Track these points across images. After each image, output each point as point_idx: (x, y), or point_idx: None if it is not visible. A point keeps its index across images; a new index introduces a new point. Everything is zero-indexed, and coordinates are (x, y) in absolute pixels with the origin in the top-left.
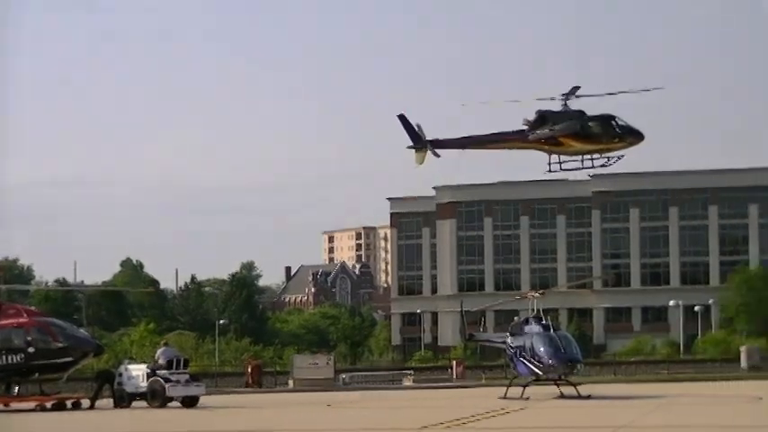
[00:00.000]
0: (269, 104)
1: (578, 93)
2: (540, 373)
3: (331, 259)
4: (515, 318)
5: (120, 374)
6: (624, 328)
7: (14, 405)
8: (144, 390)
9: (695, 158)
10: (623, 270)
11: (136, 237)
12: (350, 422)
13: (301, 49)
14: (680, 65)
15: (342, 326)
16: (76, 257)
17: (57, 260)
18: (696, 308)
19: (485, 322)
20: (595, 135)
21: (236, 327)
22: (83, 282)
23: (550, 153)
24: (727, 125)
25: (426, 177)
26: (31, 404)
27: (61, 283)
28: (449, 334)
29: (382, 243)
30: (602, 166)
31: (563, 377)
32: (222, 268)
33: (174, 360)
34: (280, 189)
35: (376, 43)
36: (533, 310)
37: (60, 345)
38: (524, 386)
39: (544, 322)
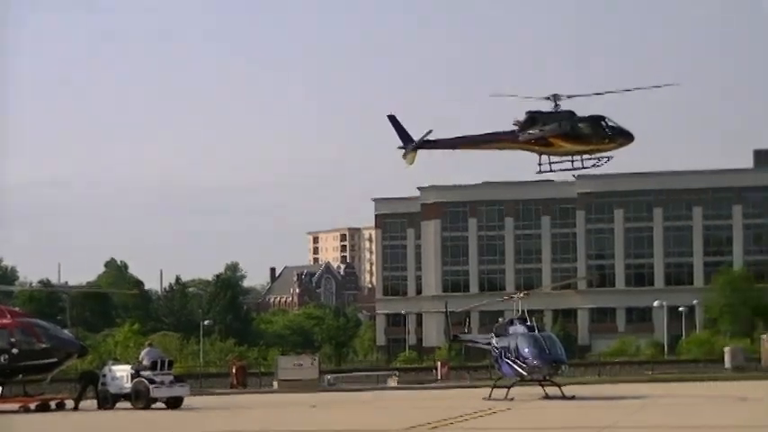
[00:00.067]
0: (256, 107)
1: (568, 93)
2: (525, 373)
3: (316, 260)
4: (500, 318)
5: (105, 375)
6: (608, 329)
7: None
8: (128, 391)
9: (681, 159)
10: (608, 271)
11: (121, 237)
12: (335, 423)
13: (293, 49)
14: (669, 65)
15: (326, 327)
16: (61, 258)
17: (41, 261)
18: (680, 308)
19: (469, 323)
20: (585, 136)
21: (221, 328)
22: (67, 282)
23: (540, 154)
24: (715, 126)
25: (411, 178)
26: (15, 405)
27: (45, 283)
28: (433, 335)
29: (367, 244)
30: (593, 166)
31: (548, 378)
32: (207, 269)
33: (159, 361)
34: (265, 190)
35: (365, 43)
36: (518, 310)
37: (44, 346)
38: (509, 387)
39: (529, 323)
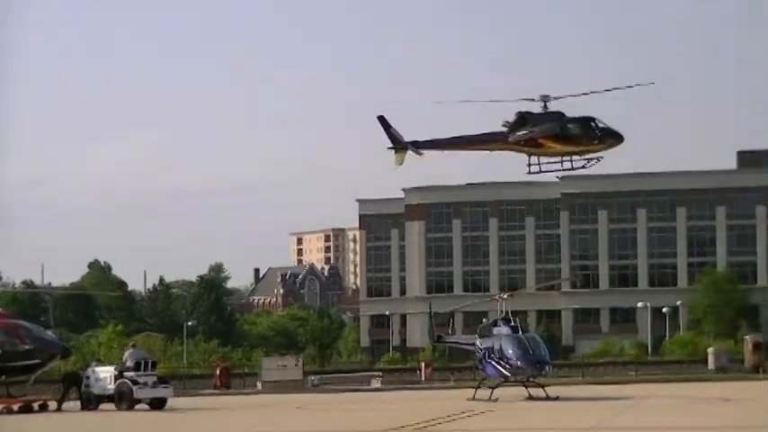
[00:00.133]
0: (241, 107)
1: (557, 93)
2: (509, 374)
3: (300, 261)
4: (484, 319)
5: (88, 376)
6: (592, 330)
7: None
8: (111, 392)
9: (664, 160)
10: (592, 272)
11: (104, 238)
12: (319, 424)
13: (277, 48)
14: (653, 65)
15: (310, 327)
16: (43, 259)
17: (24, 261)
18: (664, 309)
19: (453, 324)
20: (575, 137)
21: (205, 329)
22: (50, 283)
23: (530, 155)
24: (699, 127)
25: (395, 179)
26: None
27: (28, 284)
28: (417, 335)
29: (351, 245)
30: (582, 167)
31: (531, 379)
32: (191, 270)
33: (142, 362)
34: (249, 191)
35: (350, 42)
36: (502, 311)
37: (27, 347)
38: (493, 388)
39: (512, 324)
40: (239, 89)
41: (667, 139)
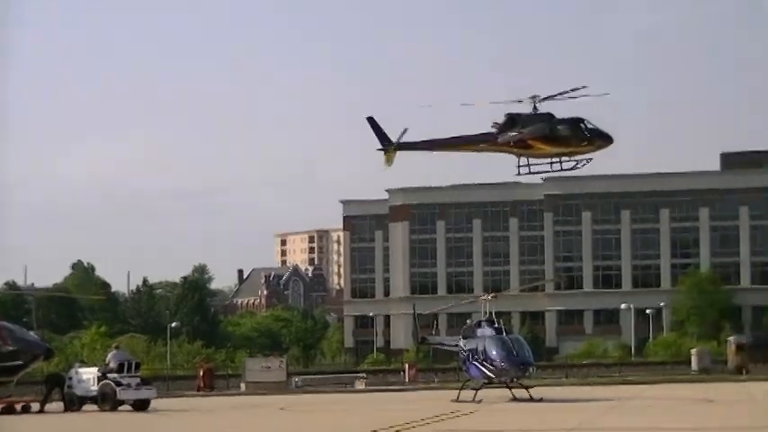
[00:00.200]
0: (226, 108)
1: (546, 94)
2: (493, 376)
3: (284, 262)
4: (468, 321)
5: (71, 378)
6: (576, 331)
7: None
8: (95, 393)
9: (648, 162)
10: (575, 273)
11: (88, 239)
12: (303, 425)
13: (263, 50)
14: (637, 68)
15: (294, 329)
16: (27, 260)
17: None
18: (648, 310)
19: (437, 325)
20: (564, 138)
21: (188, 330)
22: (33, 284)
23: (519, 156)
24: (683, 129)
25: (379, 180)
26: None
27: (11, 285)
28: (401, 337)
29: (335, 246)
30: (572, 168)
31: (515, 380)
32: (174, 271)
33: (126, 363)
34: (232, 191)
35: (335, 44)
36: (486, 313)
37: (10, 348)
38: (477, 389)
39: (496, 325)
40: (225, 89)
41: (651, 141)
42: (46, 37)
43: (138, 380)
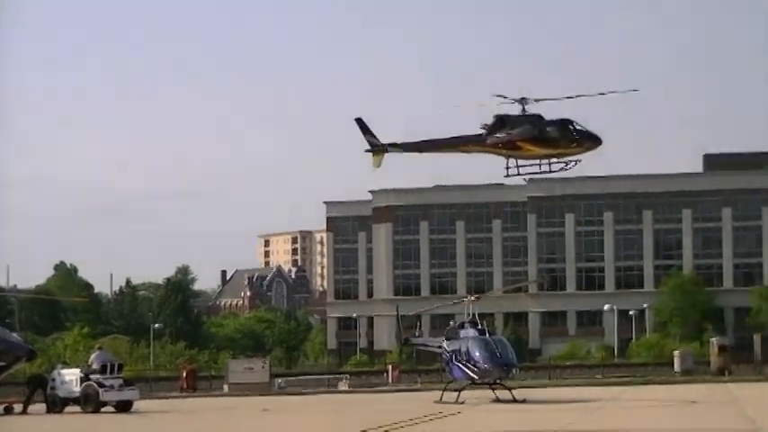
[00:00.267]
0: (209, 108)
1: (537, 96)
2: (476, 377)
3: (267, 263)
4: (451, 322)
5: (54, 379)
6: (559, 332)
7: None
8: (77, 394)
9: (631, 163)
10: (558, 274)
11: (70, 239)
12: (286, 427)
13: (248, 49)
14: (623, 69)
15: (277, 330)
16: (9, 260)
17: None
18: (630, 312)
19: (421, 326)
20: (553, 139)
21: (171, 331)
22: (15, 286)
23: (508, 157)
24: (666, 130)
25: (363, 181)
26: None
27: None
28: (385, 338)
29: (318, 247)
30: (560, 170)
31: (498, 381)
32: (157, 272)
33: (108, 364)
34: (215, 192)
35: (320, 44)
36: (469, 314)
37: None
38: (460, 390)
39: (480, 326)
40: (209, 88)
41: (634, 142)
42: (30, 38)
43: (121, 381)
